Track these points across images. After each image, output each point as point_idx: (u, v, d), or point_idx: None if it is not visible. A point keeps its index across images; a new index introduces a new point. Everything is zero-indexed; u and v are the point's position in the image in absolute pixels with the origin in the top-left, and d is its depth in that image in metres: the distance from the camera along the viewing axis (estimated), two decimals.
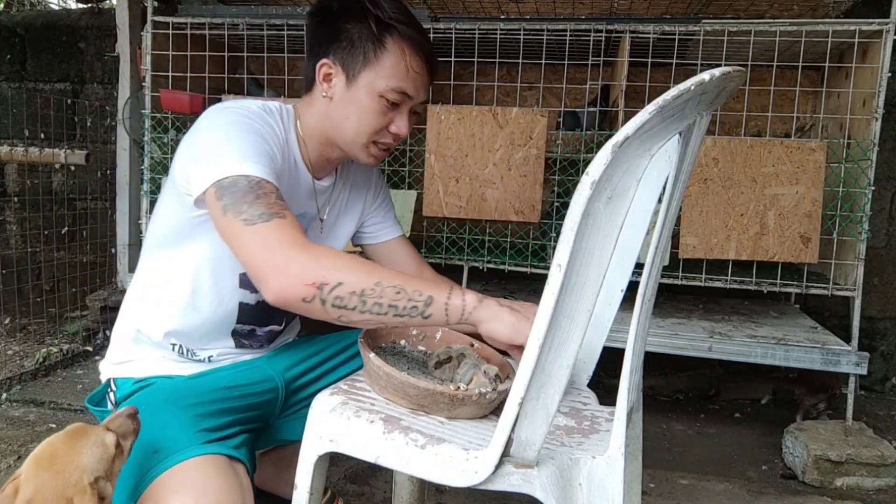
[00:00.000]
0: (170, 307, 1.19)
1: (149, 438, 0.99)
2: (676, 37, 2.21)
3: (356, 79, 1.12)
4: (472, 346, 1.15)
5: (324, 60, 1.14)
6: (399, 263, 1.39)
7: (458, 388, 0.99)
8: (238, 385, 1.19)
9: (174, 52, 2.52)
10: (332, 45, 1.13)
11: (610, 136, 0.72)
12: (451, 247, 2.42)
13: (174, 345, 1.22)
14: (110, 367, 1.24)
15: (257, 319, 1.26)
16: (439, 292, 0.94)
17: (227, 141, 1.03)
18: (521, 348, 0.91)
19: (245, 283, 1.20)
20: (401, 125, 1.15)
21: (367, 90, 1.11)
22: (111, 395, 1.21)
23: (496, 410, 1.00)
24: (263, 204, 0.97)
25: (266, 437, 1.28)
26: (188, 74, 2.51)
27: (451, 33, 2.32)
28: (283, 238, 0.95)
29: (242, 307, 1.23)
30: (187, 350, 1.23)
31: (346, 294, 0.92)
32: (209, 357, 1.24)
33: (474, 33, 2.32)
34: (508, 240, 2.54)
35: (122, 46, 2.74)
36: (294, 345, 1.38)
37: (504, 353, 1.09)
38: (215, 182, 1.00)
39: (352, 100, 1.13)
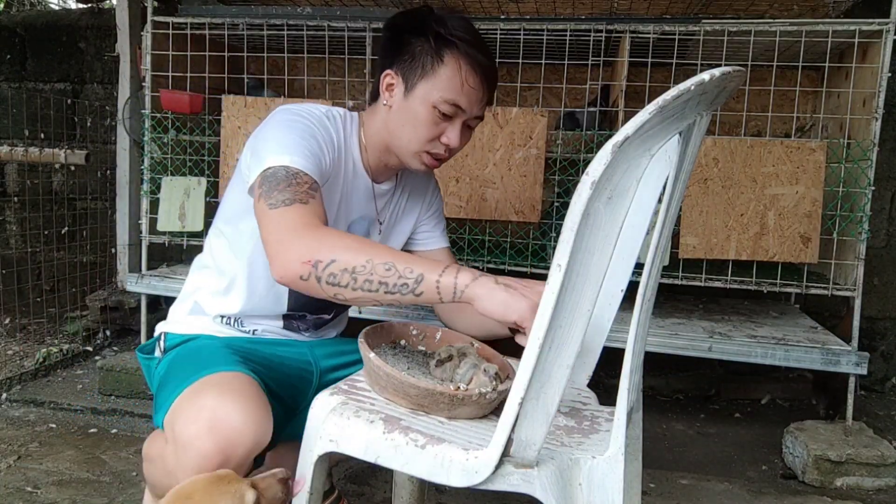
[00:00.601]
0: (228, 295, 1.31)
1: (194, 362, 1.13)
2: (676, 37, 2.21)
3: (413, 89, 1.19)
4: (473, 345, 1.15)
5: (387, 71, 1.22)
6: None
7: (458, 388, 0.99)
8: (279, 357, 1.29)
9: (174, 52, 2.52)
10: (396, 57, 1.21)
11: (610, 136, 0.72)
12: (450, 247, 2.42)
13: (223, 317, 1.33)
14: (163, 325, 1.36)
15: (308, 306, 1.35)
16: (431, 270, 0.95)
17: (279, 137, 1.13)
18: (516, 326, 0.94)
19: None
20: (451, 136, 1.20)
21: (422, 100, 1.18)
22: (161, 343, 1.32)
23: (496, 410, 1.00)
24: (291, 191, 1.04)
25: (293, 426, 1.30)
26: (188, 74, 2.51)
27: None
28: (295, 221, 1.01)
29: (292, 293, 1.31)
30: (235, 320, 1.33)
31: (339, 271, 0.96)
32: (254, 330, 1.34)
33: None
34: (508, 240, 2.54)
35: (122, 46, 2.74)
36: (334, 339, 1.46)
37: (509, 345, 1.09)
38: (261, 172, 1.09)
39: (408, 109, 1.20)
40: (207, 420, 0.98)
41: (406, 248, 1.49)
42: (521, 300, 0.93)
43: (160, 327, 1.37)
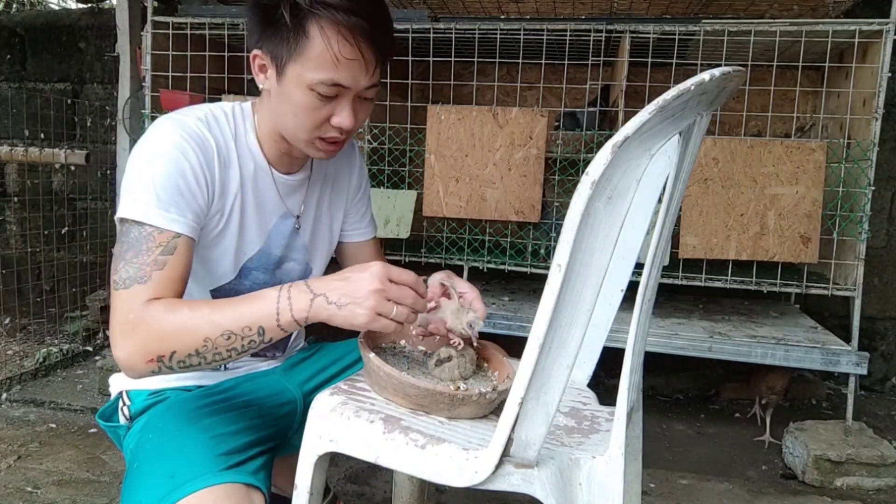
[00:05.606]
0: None
1: (165, 459, 0.98)
2: (676, 37, 2.21)
3: (284, 71, 1.02)
4: (473, 345, 1.15)
5: (255, 52, 1.07)
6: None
7: (458, 388, 0.99)
8: (257, 400, 1.17)
9: (174, 52, 2.52)
10: (261, 33, 1.05)
11: (610, 136, 0.72)
12: (451, 247, 2.42)
13: None
14: (122, 379, 1.20)
15: None
16: (266, 316, 0.92)
17: (142, 178, 0.99)
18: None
19: (220, 297, 1.15)
20: (343, 117, 1.03)
21: (296, 84, 1.01)
22: (124, 409, 1.17)
23: (496, 410, 1.00)
24: (137, 264, 0.96)
25: (284, 449, 1.24)
26: (188, 74, 2.51)
27: (451, 33, 2.32)
28: (125, 310, 0.94)
29: None
30: None
31: (185, 357, 0.93)
32: (224, 365, 1.19)
33: (474, 33, 2.32)
34: (508, 240, 2.54)
35: (122, 46, 2.74)
36: (308, 357, 1.35)
37: (509, 345, 1.09)
38: (121, 218, 0.99)
39: (284, 94, 1.04)
40: None
41: (338, 244, 1.35)
42: (356, 309, 0.91)
43: (117, 384, 1.20)
